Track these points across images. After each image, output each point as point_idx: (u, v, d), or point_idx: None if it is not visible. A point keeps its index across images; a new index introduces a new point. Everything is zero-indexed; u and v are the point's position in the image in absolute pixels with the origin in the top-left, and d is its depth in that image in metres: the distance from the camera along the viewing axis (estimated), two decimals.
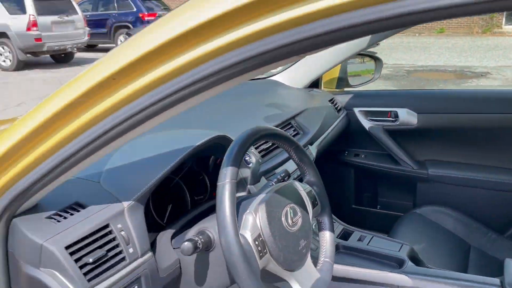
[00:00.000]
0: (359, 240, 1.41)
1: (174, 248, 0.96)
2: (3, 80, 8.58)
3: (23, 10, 9.44)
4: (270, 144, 1.38)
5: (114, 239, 0.83)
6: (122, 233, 0.84)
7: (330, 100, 1.88)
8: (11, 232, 0.78)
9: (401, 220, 1.66)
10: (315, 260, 1.02)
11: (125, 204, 0.87)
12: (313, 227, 1.30)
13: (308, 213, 1.01)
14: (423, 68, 8.87)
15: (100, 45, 13.87)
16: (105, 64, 0.64)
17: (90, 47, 12.93)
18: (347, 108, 1.93)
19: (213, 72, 0.56)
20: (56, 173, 0.72)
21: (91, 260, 0.78)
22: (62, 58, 11.15)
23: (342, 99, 1.95)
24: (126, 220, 0.86)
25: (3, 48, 9.72)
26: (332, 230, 1.08)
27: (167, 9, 13.78)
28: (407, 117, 1.75)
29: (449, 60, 9.77)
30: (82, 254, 0.78)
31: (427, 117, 1.74)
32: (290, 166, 1.36)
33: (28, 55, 9.80)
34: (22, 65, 9.85)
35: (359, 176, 1.99)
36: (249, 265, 0.80)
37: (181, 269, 0.96)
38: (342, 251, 1.35)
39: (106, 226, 0.83)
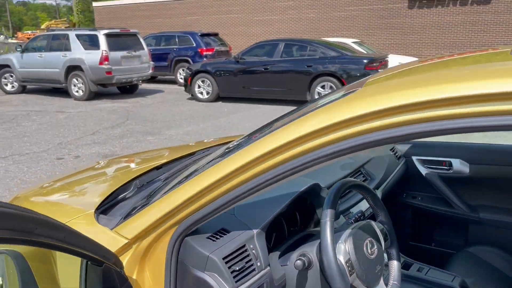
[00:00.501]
0: (418, 271, 1.69)
1: (281, 266, 1.30)
2: (78, 110, 9.48)
3: (97, 46, 10.45)
4: None
5: (248, 255, 1.19)
6: (253, 251, 1.20)
7: (391, 149, 2.18)
8: (183, 246, 1.15)
9: (454, 257, 1.91)
10: (385, 283, 1.33)
11: (254, 231, 1.23)
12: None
13: (381, 246, 1.33)
14: None
15: (159, 77, 14.89)
16: (267, 142, 1.01)
17: (151, 79, 13.87)
18: (406, 156, 2.22)
19: (344, 148, 0.92)
20: (219, 210, 1.10)
21: (237, 268, 1.14)
22: (127, 89, 12.10)
23: (401, 148, 2.25)
24: (255, 242, 1.22)
25: (77, 80, 10.75)
26: (399, 260, 1.39)
27: (224, 44, 14.61)
28: (460, 166, 2.02)
29: None
30: (231, 264, 1.14)
31: (478, 167, 2.00)
32: (362, 206, 1.68)
33: (98, 86, 10.76)
34: (92, 96, 10.82)
35: (416, 216, 2.26)
36: (343, 279, 1.13)
37: (286, 282, 1.30)
38: (404, 279, 1.63)
39: (244, 246, 1.19)
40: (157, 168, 1.77)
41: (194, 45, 13.72)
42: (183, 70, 13.86)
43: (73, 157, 5.75)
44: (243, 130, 7.21)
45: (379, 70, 8.59)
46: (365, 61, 8.58)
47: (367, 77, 1.33)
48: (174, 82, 14.41)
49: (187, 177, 1.18)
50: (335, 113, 0.92)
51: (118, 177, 1.87)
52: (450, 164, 2.05)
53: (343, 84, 8.64)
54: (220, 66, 10.10)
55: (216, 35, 14.84)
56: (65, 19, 56.70)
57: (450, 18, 16.69)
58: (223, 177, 1.06)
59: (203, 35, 14.06)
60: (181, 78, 13.92)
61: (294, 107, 8.54)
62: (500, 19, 15.95)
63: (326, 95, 1.46)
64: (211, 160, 1.24)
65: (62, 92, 11.84)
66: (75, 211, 1.38)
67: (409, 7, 17.30)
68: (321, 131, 0.94)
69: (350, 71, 8.58)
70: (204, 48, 13.59)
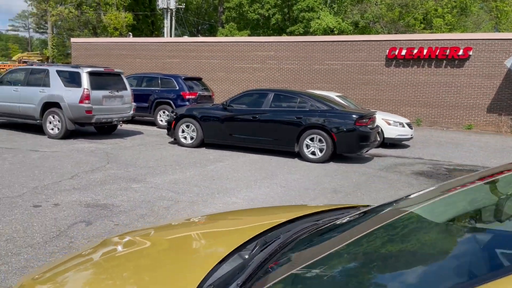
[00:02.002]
0: None
1: None
2: (52, 149, 8.92)
3: (78, 84, 10.06)
4: None
5: None
6: None
7: None
8: None
9: None
10: None
11: None
12: None
13: None
14: (462, 167, 8.97)
15: (137, 118, 14.47)
16: None
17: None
18: None
19: None
20: None
21: None
22: (105, 129, 11.62)
23: None
24: None
25: (53, 117, 10.22)
26: None
27: (207, 89, 14.50)
28: None
29: (485, 159, 9.87)
30: None
31: None
32: None
33: (76, 125, 10.26)
34: (68, 134, 10.28)
35: None
36: None
37: None
38: None
39: None
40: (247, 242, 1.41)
41: (177, 88, 13.53)
42: (163, 112, 13.58)
43: (52, 205, 5.22)
44: (233, 180, 6.88)
45: (368, 126, 8.59)
46: (355, 116, 8.56)
47: None
48: (153, 123, 14.03)
49: None
50: None
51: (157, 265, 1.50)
52: None
53: (332, 138, 8.55)
54: (207, 111, 9.87)
55: (199, 79, 14.75)
56: (38, 51, 55.83)
57: (425, 78, 17.35)
58: None
59: (186, 78, 13.92)
60: (161, 121, 13.59)
61: (280, 158, 8.22)
62: (473, 82, 16.70)
63: None
64: None
65: (35, 128, 11.23)
66: None
67: (386, 65, 17.92)
68: None
69: (340, 126, 8.52)
70: (187, 92, 13.40)
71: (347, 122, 8.51)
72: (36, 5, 43.40)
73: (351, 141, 8.52)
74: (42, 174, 6.71)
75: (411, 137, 11.59)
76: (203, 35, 49.07)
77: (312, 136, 8.75)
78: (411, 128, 11.69)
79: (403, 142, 11.85)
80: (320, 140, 8.70)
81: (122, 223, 4.67)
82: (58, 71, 10.36)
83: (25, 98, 10.49)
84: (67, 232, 4.32)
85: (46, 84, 10.33)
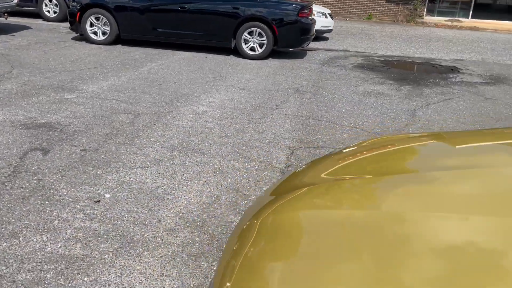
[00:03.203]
0: None
1: None
2: None
3: None
4: None
5: None
6: None
7: None
8: None
9: None
10: None
11: None
12: None
13: None
14: (391, 58, 9.18)
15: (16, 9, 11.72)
16: None
17: None
18: None
19: None
20: None
21: None
22: None
23: None
24: None
25: None
26: None
27: None
28: None
29: (404, 49, 10.25)
30: None
31: None
32: None
33: None
34: None
35: None
36: None
37: None
38: None
39: None
40: None
41: None
42: (50, 0, 11.18)
43: None
44: (183, 84, 6.04)
45: (309, 18, 8.10)
46: (296, 6, 7.92)
47: None
48: (37, 15, 11.55)
49: None
50: None
51: None
52: None
53: (273, 31, 7.91)
54: (123, 0, 8.26)
55: None
56: None
57: None
58: None
59: None
60: (48, 11, 11.23)
61: (215, 55, 7.50)
62: None
63: None
64: None
65: None
66: None
67: None
68: None
69: (282, 17, 7.85)
70: None
71: (290, 13, 7.86)
72: None
73: (294, 34, 7.97)
74: None
75: (331, 29, 11.43)
76: None
77: (251, 29, 7.98)
78: (333, 19, 11.48)
79: (324, 35, 11.69)
80: (260, 34, 7.98)
81: (90, 148, 3.74)
82: None
83: None
84: (24, 166, 3.31)
85: None
